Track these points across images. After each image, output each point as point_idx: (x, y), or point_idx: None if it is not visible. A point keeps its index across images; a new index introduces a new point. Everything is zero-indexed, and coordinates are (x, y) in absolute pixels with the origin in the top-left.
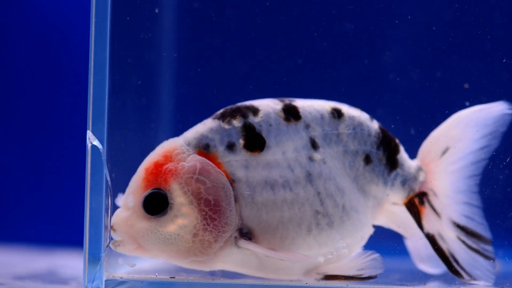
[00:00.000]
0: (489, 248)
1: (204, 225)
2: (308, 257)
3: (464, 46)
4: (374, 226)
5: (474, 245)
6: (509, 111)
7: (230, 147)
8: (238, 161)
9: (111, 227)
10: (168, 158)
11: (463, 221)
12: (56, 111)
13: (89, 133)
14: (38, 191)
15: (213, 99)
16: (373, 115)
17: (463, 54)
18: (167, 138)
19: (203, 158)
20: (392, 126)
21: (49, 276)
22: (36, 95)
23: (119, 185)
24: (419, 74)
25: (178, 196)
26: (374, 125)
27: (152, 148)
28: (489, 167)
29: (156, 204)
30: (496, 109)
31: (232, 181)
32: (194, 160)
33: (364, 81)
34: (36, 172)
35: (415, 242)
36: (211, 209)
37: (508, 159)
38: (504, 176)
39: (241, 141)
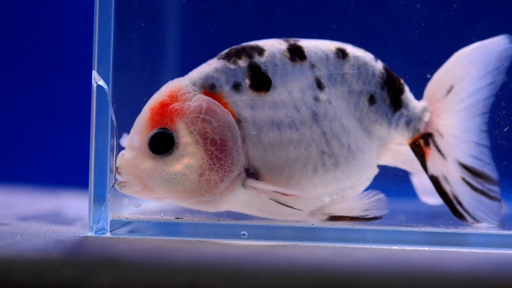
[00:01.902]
0: (495, 188)
1: (210, 164)
2: (317, 197)
3: None
4: (383, 168)
5: (479, 186)
6: (510, 45)
7: (236, 87)
8: (244, 101)
9: (116, 168)
10: (173, 98)
11: (469, 162)
12: (62, 51)
13: (95, 73)
14: (42, 132)
15: (219, 38)
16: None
17: None
18: (172, 78)
19: (209, 98)
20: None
21: (53, 216)
22: (42, 36)
23: (124, 126)
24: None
25: (184, 136)
26: (379, 65)
27: (157, 88)
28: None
29: (162, 143)
30: (497, 44)
31: (238, 121)
32: (200, 99)
33: (371, 25)
34: (40, 113)
35: (421, 178)
36: (217, 149)
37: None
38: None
39: (247, 81)
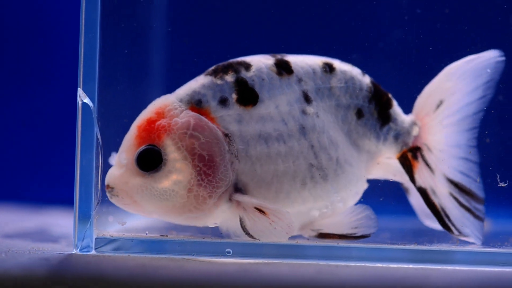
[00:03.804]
0: (480, 207)
1: (198, 180)
2: (290, 225)
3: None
4: (369, 185)
5: (465, 203)
6: (500, 59)
7: (223, 102)
8: (231, 116)
9: (107, 186)
10: (160, 114)
11: (457, 177)
12: (47, 69)
13: (80, 91)
14: (29, 150)
15: (205, 57)
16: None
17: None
18: (158, 95)
19: (197, 114)
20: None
21: (39, 234)
22: (26, 54)
23: (110, 144)
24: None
25: (172, 152)
26: (366, 79)
27: (143, 105)
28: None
29: (149, 160)
30: (487, 57)
31: (226, 136)
32: (188, 116)
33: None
34: (26, 130)
35: (419, 199)
36: (205, 165)
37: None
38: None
39: (234, 96)
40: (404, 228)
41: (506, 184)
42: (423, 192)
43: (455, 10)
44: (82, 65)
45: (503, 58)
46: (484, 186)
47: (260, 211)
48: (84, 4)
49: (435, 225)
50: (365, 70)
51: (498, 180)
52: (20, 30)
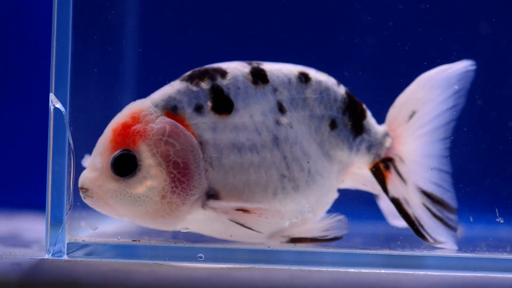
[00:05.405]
0: (453, 217)
1: (172, 187)
2: (278, 211)
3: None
4: (340, 190)
5: (438, 213)
6: (471, 68)
7: (198, 109)
8: (206, 124)
9: (81, 187)
10: (136, 119)
11: (429, 188)
12: (19, 73)
13: (52, 96)
14: (0, 155)
15: (178, 61)
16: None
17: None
18: (130, 100)
19: (173, 121)
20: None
21: (11, 239)
22: None
23: (82, 148)
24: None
25: (147, 158)
26: (341, 90)
27: (115, 110)
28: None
29: (125, 165)
30: (458, 67)
31: (200, 144)
32: (163, 122)
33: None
34: None
35: (388, 202)
36: (179, 172)
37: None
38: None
39: (209, 104)
40: (377, 233)
41: (503, 221)
42: (396, 202)
43: (430, 19)
44: (54, 70)
45: (474, 68)
46: (456, 191)
47: (243, 211)
48: (56, 9)
49: (403, 223)
50: (339, 78)
51: (497, 215)
52: None
